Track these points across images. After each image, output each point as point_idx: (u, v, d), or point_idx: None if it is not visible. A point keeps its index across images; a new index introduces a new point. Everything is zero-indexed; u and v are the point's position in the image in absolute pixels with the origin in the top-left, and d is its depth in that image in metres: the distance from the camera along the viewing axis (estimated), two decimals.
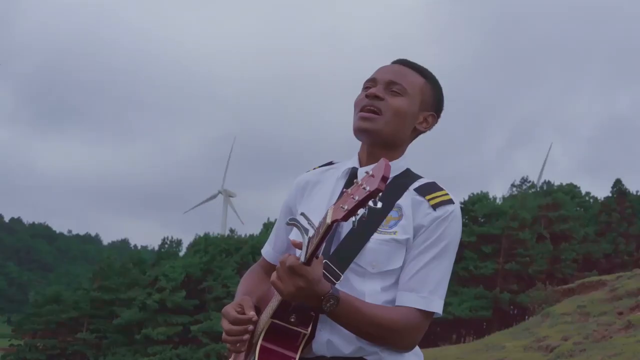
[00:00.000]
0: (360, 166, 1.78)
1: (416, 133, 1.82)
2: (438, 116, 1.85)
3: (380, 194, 1.32)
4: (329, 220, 1.37)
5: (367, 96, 1.75)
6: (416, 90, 1.78)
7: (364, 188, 1.32)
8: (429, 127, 1.83)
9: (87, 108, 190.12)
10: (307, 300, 1.52)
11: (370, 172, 1.34)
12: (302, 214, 1.48)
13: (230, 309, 1.70)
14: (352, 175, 1.77)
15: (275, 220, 2.02)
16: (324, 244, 1.44)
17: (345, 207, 1.34)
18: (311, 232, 1.46)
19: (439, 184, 1.76)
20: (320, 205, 1.77)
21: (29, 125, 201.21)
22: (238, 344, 1.66)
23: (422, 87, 1.80)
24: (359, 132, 1.75)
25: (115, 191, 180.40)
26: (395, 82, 1.76)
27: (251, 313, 1.66)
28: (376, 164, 1.35)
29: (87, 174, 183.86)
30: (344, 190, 1.39)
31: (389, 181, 1.34)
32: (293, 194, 1.91)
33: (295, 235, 1.81)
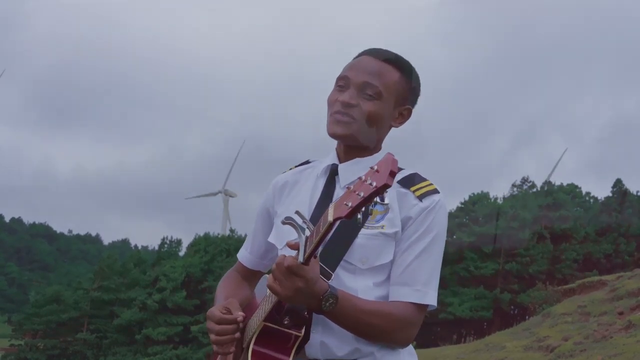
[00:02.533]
0: (340, 162, 1.74)
1: (390, 128, 1.76)
2: (413, 106, 1.77)
3: (388, 189, 1.23)
4: (330, 218, 1.29)
5: (339, 101, 1.68)
6: (391, 90, 1.69)
7: (370, 184, 1.23)
8: (404, 121, 1.76)
9: (90, 109, 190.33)
10: (306, 301, 1.47)
11: (375, 168, 1.26)
12: (297, 212, 1.40)
13: (215, 310, 1.66)
14: (333, 172, 1.73)
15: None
16: (323, 243, 1.38)
17: (350, 205, 1.25)
18: (307, 232, 1.38)
19: (421, 174, 1.71)
20: (301, 204, 1.73)
21: (32, 126, 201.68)
22: (228, 344, 1.62)
23: (397, 83, 1.70)
24: (332, 136, 1.70)
25: (116, 191, 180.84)
26: (369, 83, 1.66)
27: (238, 313, 1.62)
28: (382, 158, 1.26)
29: (88, 174, 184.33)
30: (347, 187, 1.29)
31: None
32: (270, 196, 1.86)
33: (274, 237, 1.80)
